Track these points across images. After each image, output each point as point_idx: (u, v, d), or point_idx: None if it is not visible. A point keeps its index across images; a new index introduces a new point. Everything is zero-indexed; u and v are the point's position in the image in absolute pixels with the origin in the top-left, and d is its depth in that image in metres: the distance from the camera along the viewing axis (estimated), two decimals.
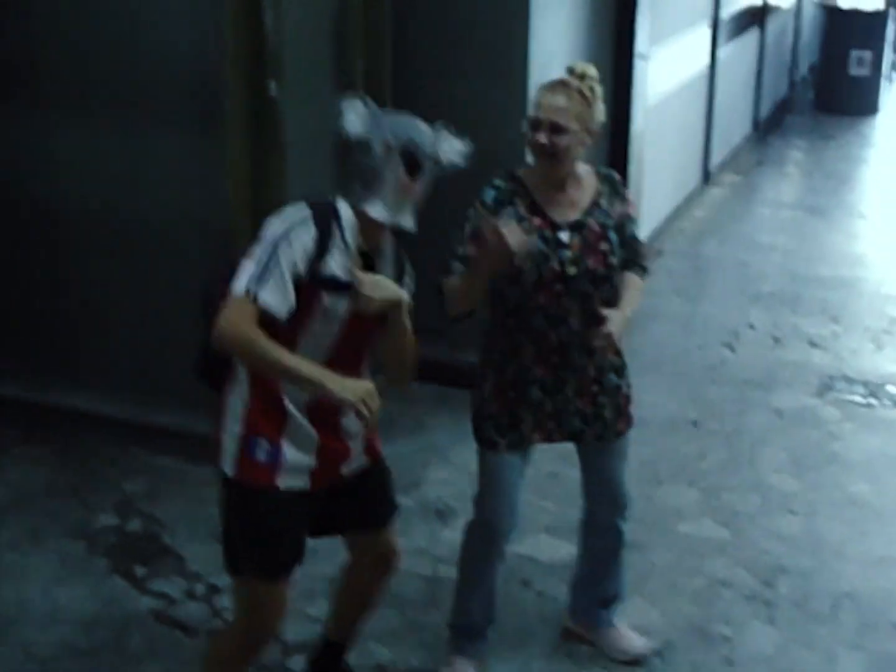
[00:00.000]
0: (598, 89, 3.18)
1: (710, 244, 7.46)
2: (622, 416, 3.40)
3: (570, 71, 3.19)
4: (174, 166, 4.52)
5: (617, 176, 3.37)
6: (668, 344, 5.94)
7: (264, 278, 2.65)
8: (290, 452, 2.83)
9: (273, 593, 2.94)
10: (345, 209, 2.77)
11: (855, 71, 11.02)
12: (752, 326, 6.15)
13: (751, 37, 9.16)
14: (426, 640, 3.67)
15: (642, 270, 3.37)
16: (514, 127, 5.09)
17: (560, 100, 3.11)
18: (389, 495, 3.15)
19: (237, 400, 2.83)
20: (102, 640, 3.64)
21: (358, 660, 3.55)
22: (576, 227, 3.21)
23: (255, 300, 2.65)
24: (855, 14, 10.93)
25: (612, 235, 3.23)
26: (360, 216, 2.77)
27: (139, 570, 3.99)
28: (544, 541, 4.18)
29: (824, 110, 11.24)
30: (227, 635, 3.14)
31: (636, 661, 3.60)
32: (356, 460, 2.98)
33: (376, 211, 2.75)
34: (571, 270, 3.17)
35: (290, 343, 2.73)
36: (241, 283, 2.68)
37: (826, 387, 5.47)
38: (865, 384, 5.49)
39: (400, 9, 5.00)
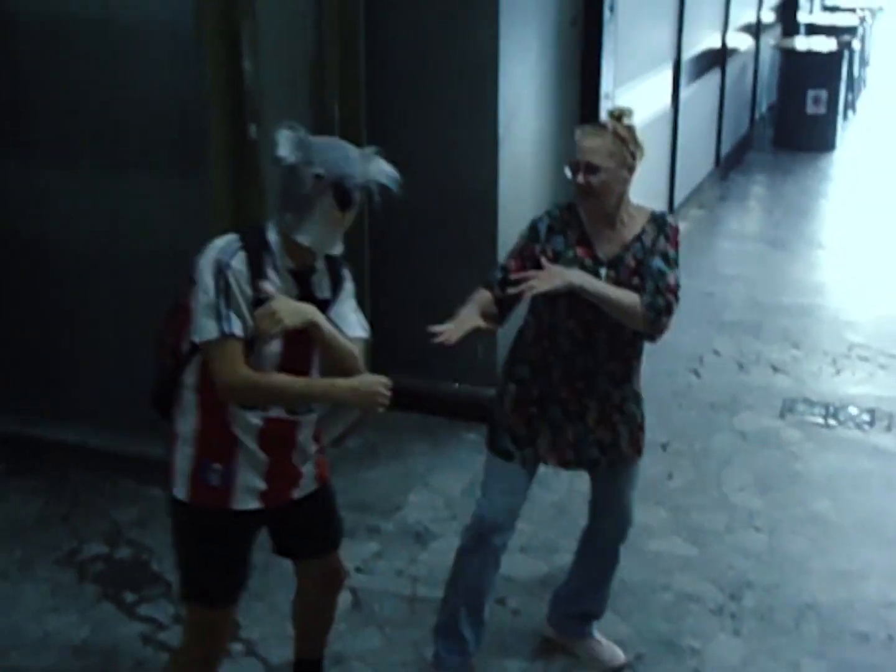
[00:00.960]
0: (633, 127, 3.20)
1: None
2: (634, 444, 3.43)
3: (610, 113, 3.25)
4: (158, 206, 4.56)
5: (669, 217, 3.33)
6: None
7: (225, 314, 2.65)
8: (241, 475, 2.82)
9: (218, 619, 2.95)
10: (272, 234, 2.76)
11: (812, 109, 11.15)
12: (716, 353, 6.21)
13: (712, 77, 9.27)
14: (407, 658, 3.68)
15: (650, 306, 3.13)
16: (486, 168, 5.24)
17: (594, 141, 3.16)
18: (336, 519, 3.15)
19: (187, 426, 2.83)
20: (92, 664, 3.65)
21: None
22: (614, 263, 3.23)
23: (231, 337, 2.65)
24: (811, 55, 11.07)
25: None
26: (289, 241, 2.74)
27: (128, 596, 4.00)
28: (519, 560, 4.20)
29: (783, 147, 11.36)
30: (180, 657, 3.12)
31: (617, 670, 3.63)
32: (307, 485, 2.97)
33: (305, 239, 2.73)
34: None
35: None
36: (208, 328, 2.65)
37: (788, 409, 5.52)
38: (825, 406, 5.54)
39: (374, 57, 5.07)
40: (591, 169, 3.15)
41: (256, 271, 2.70)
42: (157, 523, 4.41)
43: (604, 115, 3.31)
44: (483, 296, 3.27)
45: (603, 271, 3.21)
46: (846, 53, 11.38)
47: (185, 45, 4.31)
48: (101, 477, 4.72)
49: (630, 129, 3.19)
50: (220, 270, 2.66)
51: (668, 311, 3.18)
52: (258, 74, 4.38)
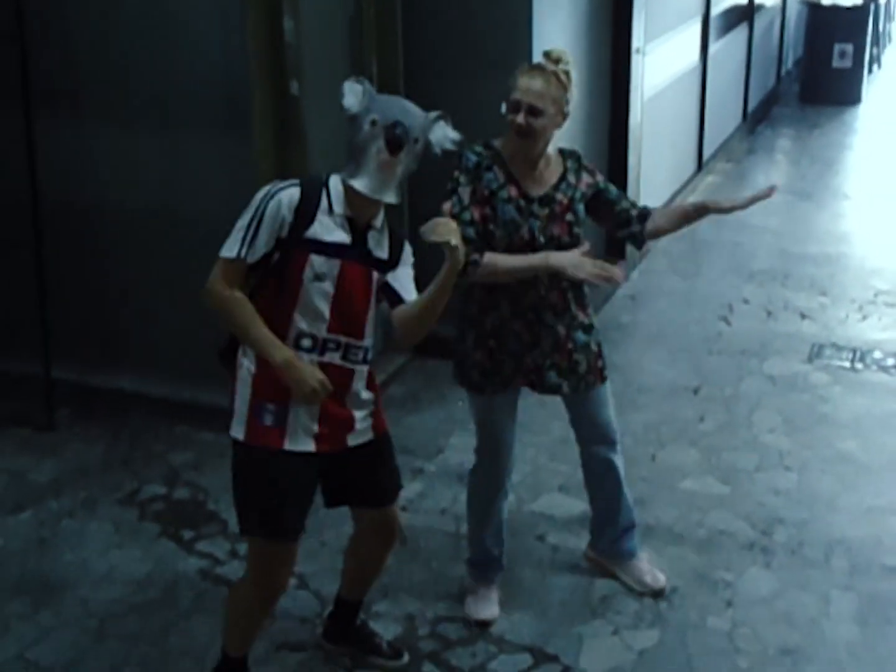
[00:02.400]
0: (573, 74, 3.23)
1: (704, 227, 7.33)
2: (593, 370, 3.46)
3: (547, 55, 3.24)
4: (205, 164, 4.57)
5: (579, 152, 3.45)
6: (668, 319, 5.97)
7: (250, 238, 2.73)
8: (294, 416, 2.84)
9: (279, 553, 2.96)
10: (335, 182, 2.82)
11: (838, 63, 10.96)
12: (746, 301, 6.16)
13: (740, 33, 9.13)
14: (451, 591, 3.72)
15: (643, 219, 3.40)
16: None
17: (538, 84, 3.18)
18: (395, 473, 3.14)
19: (246, 368, 2.85)
20: (154, 597, 3.71)
21: (388, 609, 3.63)
22: (545, 201, 3.29)
23: (243, 259, 2.74)
24: (837, 9, 10.86)
25: (578, 207, 3.34)
26: (349, 189, 2.79)
27: (186, 534, 4.06)
28: (558, 499, 4.23)
29: (809, 101, 11.18)
30: (241, 588, 3.14)
31: (656, 593, 3.66)
32: (363, 433, 2.97)
33: (360, 184, 2.76)
34: (541, 238, 3.27)
35: (287, 308, 2.78)
36: (229, 244, 2.76)
37: (815, 354, 5.48)
38: (852, 351, 5.50)
39: (410, 13, 5.03)
40: (533, 111, 3.17)
41: (307, 207, 2.75)
42: (212, 466, 4.48)
43: (539, 58, 3.27)
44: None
45: (535, 208, 3.27)
46: (872, 7, 11.16)
47: (228, 4, 4.30)
48: (157, 422, 4.78)
49: (568, 74, 3.20)
50: (265, 198, 2.76)
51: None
52: (298, 32, 4.36)
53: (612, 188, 3.46)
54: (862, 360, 5.41)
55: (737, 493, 4.28)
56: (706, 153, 8.32)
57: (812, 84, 11.23)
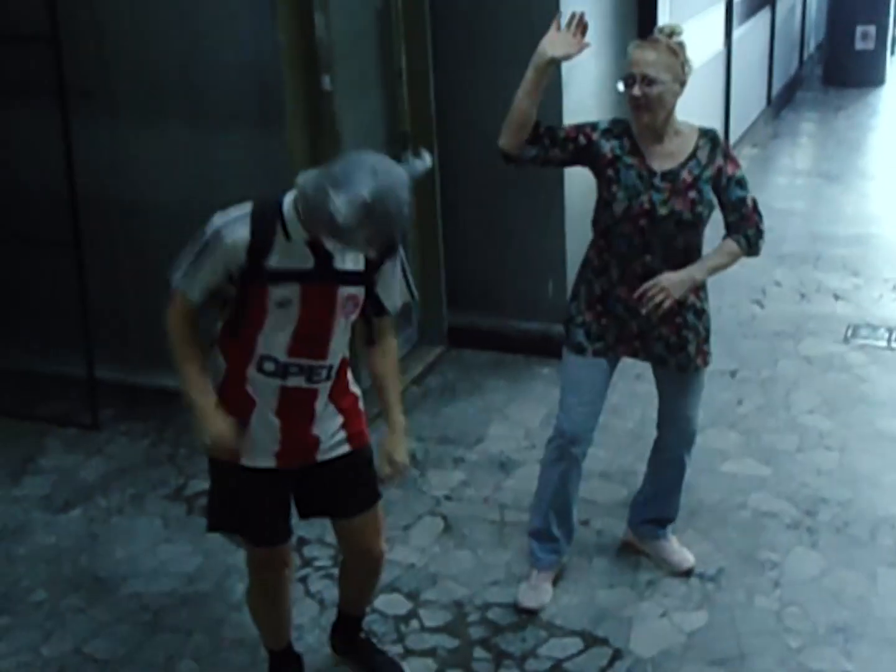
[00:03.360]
0: (684, 43, 3.23)
1: None
2: (701, 352, 3.44)
3: (660, 30, 3.26)
4: (240, 160, 4.57)
5: (719, 134, 3.38)
6: None
7: (190, 272, 2.67)
8: (252, 434, 2.77)
9: (258, 555, 2.99)
10: (289, 209, 2.62)
11: (860, 45, 10.89)
12: (778, 284, 6.12)
13: (763, 17, 9.07)
14: (498, 578, 3.72)
15: (745, 241, 3.29)
16: (551, 113, 5.17)
17: (649, 54, 3.19)
18: (366, 486, 2.97)
19: (213, 380, 2.79)
20: (206, 590, 3.73)
21: (437, 596, 3.64)
22: (668, 176, 3.26)
23: (183, 293, 2.70)
24: None
25: (704, 186, 3.27)
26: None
27: None
28: (599, 485, 4.22)
29: (832, 84, 11.11)
30: (250, 587, 3.17)
31: (686, 572, 3.67)
32: (334, 447, 2.87)
33: (329, 245, 2.60)
34: (662, 210, 3.24)
35: (250, 332, 2.69)
36: (174, 275, 2.71)
37: (851, 334, 5.45)
38: (888, 330, 5.46)
39: (437, 6, 5.03)
40: (647, 81, 3.16)
41: (260, 243, 2.60)
42: None
43: (655, 33, 3.28)
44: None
45: (657, 181, 3.25)
46: None
47: (258, 0, 4.31)
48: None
49: (681, 44, 3.21)
50: (214, 237, 2.63)
51: (760, 233, 3.32)
52: (329, 26, 4.37)
53: (737, 192, 3.28)
54: None
55: (778, 474, 4.26)
56: (732, 138, 8.26)
57: (835, 66, 11.16)
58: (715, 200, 3.31)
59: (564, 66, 4.98)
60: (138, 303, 4.94)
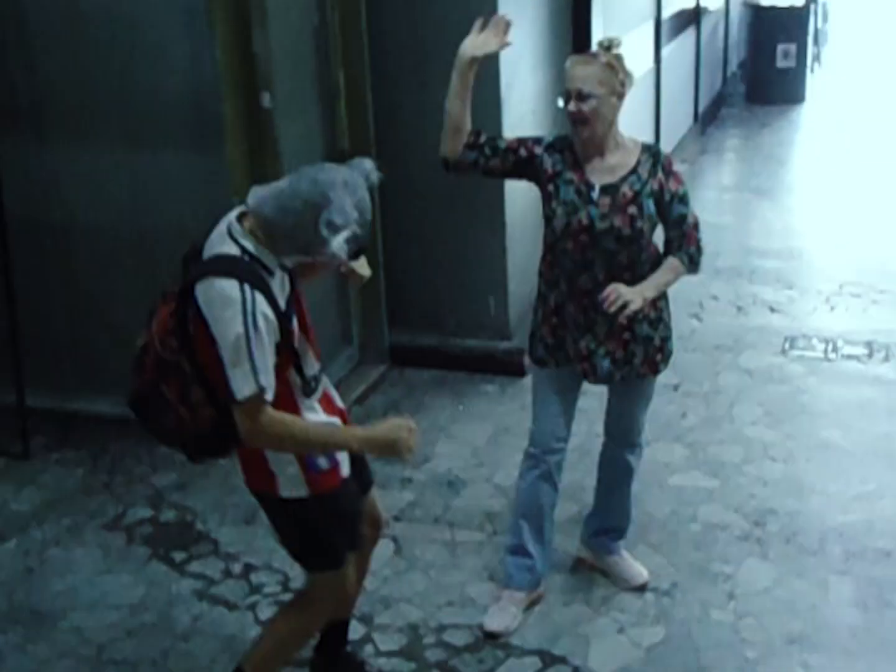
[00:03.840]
0: (622, 56, 3.23)
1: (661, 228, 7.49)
2: (649, 362, 3.46)
3: (599, 44, 3.27)
4: (178, 181, 4.50)
5: (662, 149, 3.39)
6: None
7: (258, 371, 2.49)
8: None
9: (350, 570, 2.95)
10: (248, 243, 2.54)
11: (782, 63, 11.10)
12: (715, 297, 6.19)
13: (688, 36, 9.21)
14: (452, 599, 3.67)
15: (688, 258, 3.31)
16: (490, 126, 5.18)
17: (584, 70, 3.20)
18: (366, 463, 3.05)
19: None
20: (151, 621, 3.62)
21: (391, 620, 3.58)
22: (608, 190, 3.25)
23: (262, 396, 2.52)
24: (779, 10, 11.00)
25: (646, 201, 3.25)
26: (264, 238, 2.57)
27: (177, 556, 3.97)
28: None
29: (755, 101, 11.30)
30: (299, 619, 3.02)
31: (640, 587, 3.67)
32: None
33: (289, 262, 2.61)
34: (600, 226, 3.23)
35: (284, 379, 2.64)
36: (241, 388, 2.49)
37: (789, 346, 5.52)
38: (824, 341, 5.54)
39: (375, 22, 5.00)
40: (582, 96, 3.17)
41: (268, 296, 2.53)
42: (196, 486, 4.41)
43: (594, 47, 3.32)
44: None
45: (595, 196, 3.25)
46: (812, 7, 11.33)
47: (196, 18, 4.23)
48: (137, 446, 4.67)
49: (619, 57, 3.22)
50: (248, 326, 2.47)
51: (700, 251, 3.36)
52: (268, 43, 4.31)
53: (679, 209, 3.28)
54: (834, 349, 5.45)
55: (726, 486, 4.29)
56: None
57: (758, 84, 11.37)
58: (657, 216, 3.30)
59: (503, 82, 5.04)
60: (70, 328, 4.82)
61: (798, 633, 3.44)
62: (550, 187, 3.30)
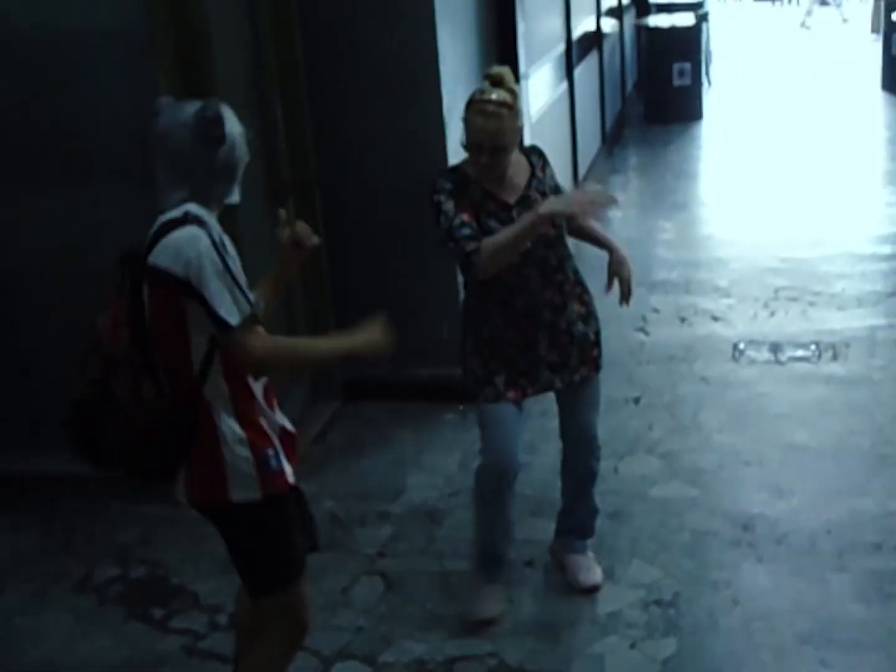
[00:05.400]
0: (517, 88, 3.26)
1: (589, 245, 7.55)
2: (586, 361, 3.49)
3: (490, 78, 3.24)
4: (121, 221, 4.26)
5: (540, 147, 3.52)
6: None
7: (240, 296, 2.55)
8: (279, 448, 2.74)
9: (303, 587, 2.84)
10: (204, 213, 2.62)
11: (678, 82, 11.38)
12: (656, 310, 6.25)
13: (592, 59, 9.37)
14: (455, 629, 3.59)
15: None
16: (434, 152, 5.17)
17: (494, 124, 3.18)
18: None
19: (228, 433, 2.63)
20: None
21: (396, 657, 3.48)
22: (522, 203, 3.31)
23: (257, 314, 2.58)
24: (674, 30, 11.29)
25: (551, 197, 3.33)
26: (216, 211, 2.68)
27: (157, 612, 3.80)
28: (533, 523, 4.12)
29: (655, 121, 11.52)
30: (268, 648, 2.89)
31: (590, 590, 3.69)
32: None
33: (235, 197, 2.72)
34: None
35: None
36: (234, 313, 2.52)
37: (738, 352, 5.59)
38: (771, 345, 5.64)
39: (312, 58, 4.94)
40: (499, 150, 3.20)
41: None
42: (163, 539, 4.24)
43: (483, 82, 3.29)
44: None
45: (514, 214, 3.29)
46: (704, 27, 11.66)
47: (138, 56, 4.12)
48: (91, 503, 4.47)
49: (514, 92, 3.23)
50: (221, 257, 2.54)
51: None
52: (212, 75, 4.21)
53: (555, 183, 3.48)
54: (782, 352, 5.55)
55: (707, 493, 4.30)
56: (580, 174, 8.47)
57: (656, 104, 11.61)
58: None
59: (445, 107, 5.02)
60: (14, 385, 4.59)
61: (808, 632, 3.44)
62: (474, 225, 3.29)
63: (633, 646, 3.45)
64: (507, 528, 3.62)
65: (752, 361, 5.49)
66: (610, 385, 5.28)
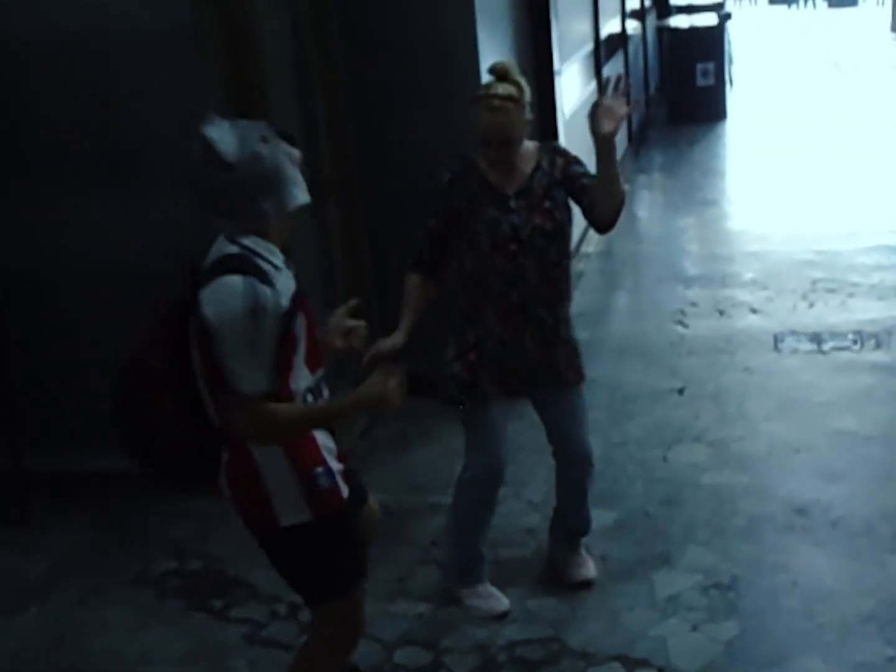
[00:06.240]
0: (522, 81, 3.25)
1: (626, 243, 7.57)
2: (571, 367, 3.47)
3: (495, 73, 3.24)
4: (169, 225, 4.38)
5: (557, 143, 3.51)
6: (628, 331, 6.01)
7: (254, 367, 2.46)
8: (333, 465, 2.70)
9: (360, 595, 2.82)
10: (255, 242, 2.53)
11: (702, 82, 11.41)
12: (694, 304, 6.25)
13: (618, 60, 9.41)
14: (514, 615, 3.60)
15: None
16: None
17: (504, 117, 3.19)
18: (357, 475, 3.00)
19: (269, 454, 2.60)
20: (206, 670, 3.46)
21: (457, 642, 3.52)
22: (521, 194, 3.30)
23: (260, 393, 2.48)
24: (697, 30, 11.33)
25: (556, 191, 3.31)
26: (269, 231, 2.56)
27: (216, 603, 3.82)
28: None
29: (678, 121, 11.56)
30: (321, 648, 2.89)
31: (581, 584, 3.69)
32: None
33: (303, 197, 2.58)
34: (525, 231, 3.27)
35: (285, 387, 2.56)
36: (243, 383, 2.45)
37: (780, 342, 5.59)
38: (813, 335, 5.63)
39: (353, 50, 4.98)
40: (506, 143, 3.21)
41: (272, 289, 2.47)
42: (217, 533, 4.26)
43: (486, 77, 3.29)
44: (413, 287, 3.35)
45: (512, 203, 3.29)
46: (726, 27, 11.68)
47: (183, 53, 4.16)
48: (145, 500, 4.49)
49: (519, 85, 3.23)
50: (251, 321, 2.42)
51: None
52: (264, 77, 4.26)
53: (579, 170, 3.34)
54: (825, 342, 5.54)
55: (758, 479, 4.30)
56: None
57: (679, 104, 11.64)
58: (570, 201, 3.35)
59: None
60: (63, 385, 4.64)
61: (871, 611, 3.44)
62: (467, 216, 3.30)
63: (694, 628, 3.45)
64: (488, 527, 3.66)
65: (795, 351, 5.48)
66: (652, 376, 5.35)
